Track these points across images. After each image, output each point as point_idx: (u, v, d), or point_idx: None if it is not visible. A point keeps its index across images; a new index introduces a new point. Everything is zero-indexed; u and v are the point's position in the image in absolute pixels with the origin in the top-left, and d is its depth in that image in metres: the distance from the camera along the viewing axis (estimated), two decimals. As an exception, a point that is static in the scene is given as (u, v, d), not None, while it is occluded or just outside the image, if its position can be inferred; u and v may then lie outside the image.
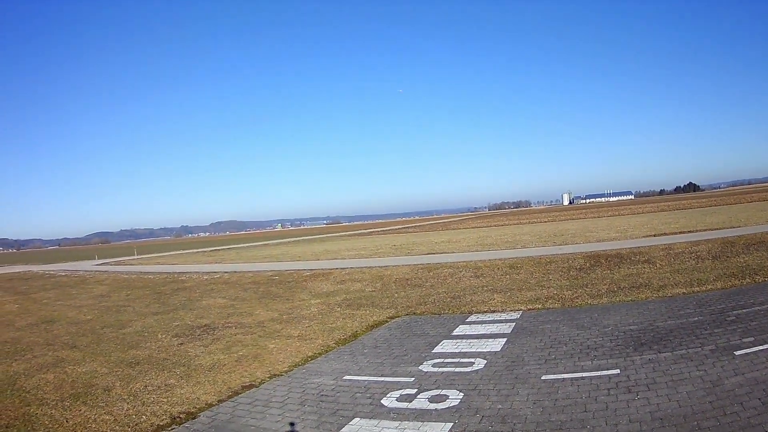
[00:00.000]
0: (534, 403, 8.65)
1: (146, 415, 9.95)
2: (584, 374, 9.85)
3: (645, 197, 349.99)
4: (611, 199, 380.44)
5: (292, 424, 8.99)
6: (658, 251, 24.83)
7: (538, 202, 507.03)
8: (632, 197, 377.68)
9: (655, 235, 33.45)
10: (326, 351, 14.14)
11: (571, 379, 9.69)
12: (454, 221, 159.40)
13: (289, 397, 10.48)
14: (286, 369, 12.65)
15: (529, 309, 16.56)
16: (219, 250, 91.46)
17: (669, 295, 16.48)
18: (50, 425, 9.82)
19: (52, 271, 60.19)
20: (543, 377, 9.92)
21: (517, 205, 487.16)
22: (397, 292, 22.64)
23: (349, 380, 11.22)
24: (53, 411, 10.58)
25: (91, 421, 9.89)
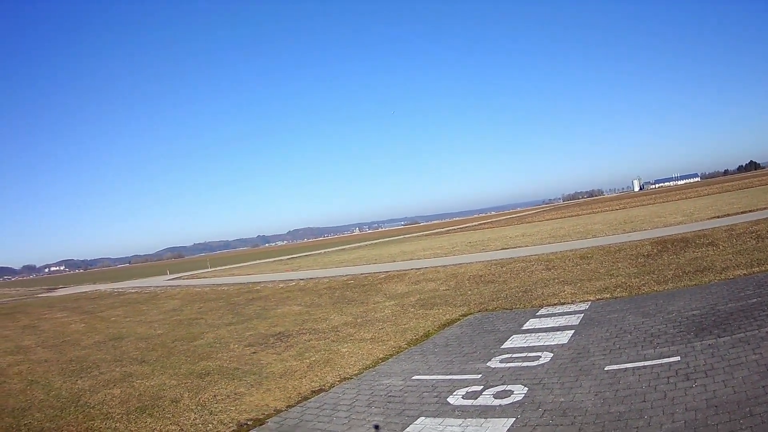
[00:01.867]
0: (595, 395, 8.90)
1: (213, 424, 10.42)
2: (646, 363, 10.11)
3: (710, 179, 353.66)
4: (679, 182, 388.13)
5: (357, 426, 9.31)
6: (721, 233, 25.98)
7: (609, 189, 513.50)
8: (698, 179, 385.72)
9: (718, 217, 35.04)
10: (397, 352, 14.57)
11: (633, 368, 9.95)
12: (529, 214, 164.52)
13: (357, 400, 10.85)
14: (356, 372, 13.07)
15: (598, 299, 17.01)
16: (296, 257, 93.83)
17: (730, 277, 16.91)
18: None
19: (121, 288, 63.05)
20: (606, 368, 10.22)
21: (590, 194, 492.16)
22: (470, 290, 23.22)
23: (418, 380, 11.60)
24: (117, 424, 11.17)
25: None
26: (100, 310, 40.35)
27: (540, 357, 11.65)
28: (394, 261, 44.74)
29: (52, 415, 12.44)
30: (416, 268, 33.91)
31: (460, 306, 19.89)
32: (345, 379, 12.64)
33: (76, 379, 16.06)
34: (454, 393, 10.26)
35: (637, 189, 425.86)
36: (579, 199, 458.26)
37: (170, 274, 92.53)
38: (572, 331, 13.39)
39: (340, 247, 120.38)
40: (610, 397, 8.70)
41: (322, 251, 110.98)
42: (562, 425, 7.97)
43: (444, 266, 32.46)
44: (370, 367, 13.38)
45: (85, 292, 68.50)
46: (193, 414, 11.26)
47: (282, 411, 10.84)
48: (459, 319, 17.68)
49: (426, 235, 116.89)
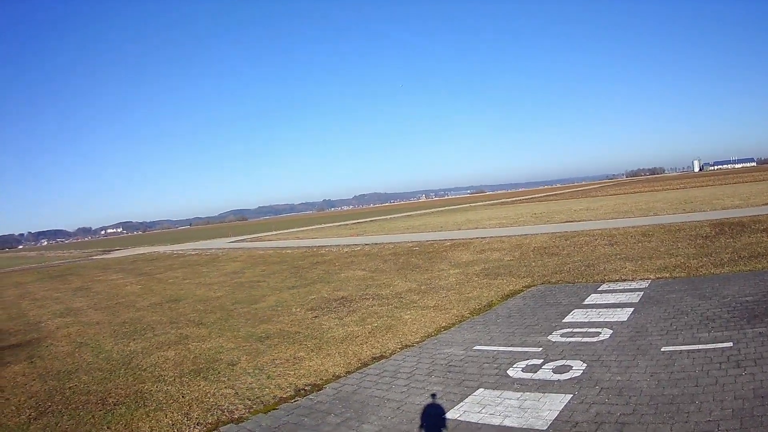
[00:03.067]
0: (651, 376, 8.98)
1: (270, 388, 10.62)
2: (700, 346, 10.21)
3: (766, 164, 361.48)
4: (736, 165, 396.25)
5: (416, 395, 9.43)
6: (776, 219, 26.51)
7: (670, 168, 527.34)
8: (754, 164, 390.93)
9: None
10: (460, 321, 14.68)
11: (688, 351, 10.04)
12: (593, 188, 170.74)
13: (417, 368, 10.97)
14: (418, 340, 13.19)
15: (657, 278, 17.13)
16: (361, 222, 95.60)
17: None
18: (164, 401, 10.59)
19: (181, 250, 64.92)
20: (662, 349, 10.32)
21: (652, 171, 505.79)
22: (534, 261, 23.50)
23: (479, 350, 11.75)
24: (169, 387, 11.44)
25: (209, 395, 10.62)
26: (158, 271, 41.66)
27: (600, 333, 11.82)
28: (460, 229, 45.95)
29: (100, 378, 12.75)
30: (481, 237, 34.97)
31: (524, 277, 20.08)
32: (406, 346, 12.76)
33: (129, 341, 16.56)
34: (514, 365, 10.39)
35: (697, 169, 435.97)
36: (641, 176, 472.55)
37: (233, 236, 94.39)
38: (632, 309, 13.51)
39: (405, 214, 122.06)
40: (664, 378, 8.76)
41: (388, 217, 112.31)
42: (617, 404, 8.05)
43: (509, 236, 33.45)
44: (432, 335, 13.49)
45: (143, 254, 70.82)
46: (249, 378, 11.48)
47: (341, 377, 11.00)
48: (522, 290, 17.84)
49: (491, 205, 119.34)
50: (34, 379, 13.27)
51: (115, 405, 10.64)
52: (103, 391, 11.69)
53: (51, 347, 16.99)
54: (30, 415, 10.59)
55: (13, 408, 11.14)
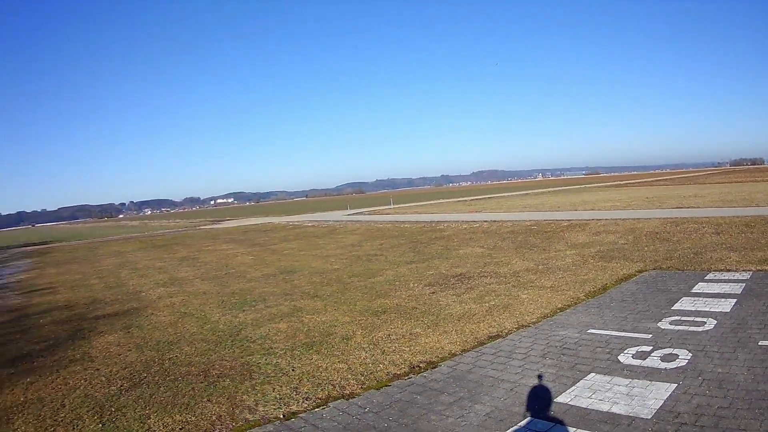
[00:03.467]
0: (748, 369, 8.95)
1: (384, 364, 10.76)
2: None
3: None
4: None
5: (529, 377, 9.50)
6: None
7: None
8: None
9: None
10: (575, 303, 14.62)
11: None
12: (701, 176, 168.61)
13: (532, 349, 11.01)
14: (534, 320, 13.19)
15: (758, 270, 16.79)
16: (479, 199, 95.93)
17: None
18: (272, 374, 10.73)
19: (296, 222, 66.57)
20: (760, 342, 10.25)
21: (753, 162, 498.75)
22: (646, 246, 23.28)
23: (593, 334, 11.78)
24: (279, 360, 11.59)
25: (321, 369, 10.77)
26: (272, 242, 42.65)
27: (705, 323, 11.77)
28: (576, 210, 46.55)
29: (204, 349, 12.94)
30: (596, 219, 35.31)
31: (637, 261, 19.92)
32: (522, 326, 12.75)
33: (238, 312, 16.86)
34: (625, 351, 10.43)
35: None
36: (743, 165, 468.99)
37: (350, 209, 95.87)
38: (735, 300, 13.40)
39: (522, 192, 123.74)
40: (759, 373, 8.70)
41: (505, 194, 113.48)
42: (716, 397, 8.01)
43: (623, 219, 33.70)
44: (548, 317, 13.47)
45: (256, 224, 72.83)
46: (363, 353, 11.65)
47: (456, 355, 11.06)
48: (635, 275, 17.75)
49: (606, 186, 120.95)
50: (130, 350, 13.52)
51: (218, 377, 10.77)
52: (206, 362, 11.86)
53: (151, 317, 17.45)
54: (122, 386, 10.74)
55: (103, 378, 11.34)
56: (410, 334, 12.82)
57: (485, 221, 41.04)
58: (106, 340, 14.83)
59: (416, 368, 10.48)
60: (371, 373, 10.36)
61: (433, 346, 11.76)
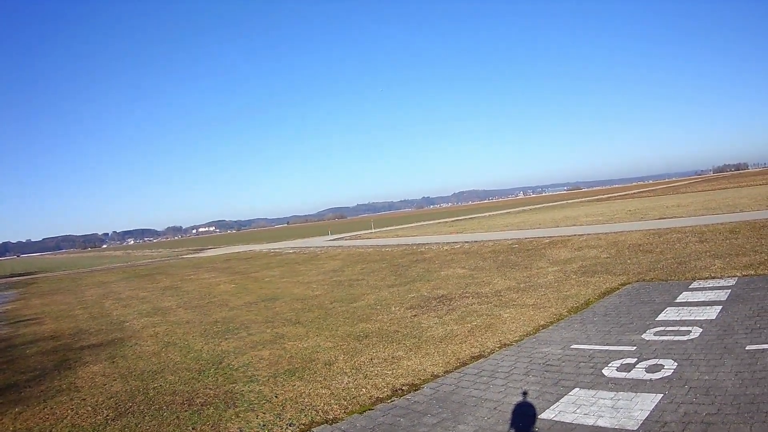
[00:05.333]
0: (735, 375, 9.13)
1: (366, 388, 10.77)
2: None
3: None
4: None
5: (513, 395, 9.52)
6: None
7: (754, 164, 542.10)
8: None
9: None
10: (558, 319, 14.75)
11: None
12: (683, 185, 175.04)
13: (515, 367, 11.06)
14: (516, 338, 13.25)
15: (744, 275, 17.26)
16: (460, 219, 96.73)
17: None
18: (256, 401, 10.73)
19: (278, 249, 66.49)
20: (747, 347, 10.44)
21: (737, 167, 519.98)
22: (629, 258, 23.66)
23: (576, 349, 11.89)
24: (262, 387, 11.59)
25: (304, 395, 10.76)
26: (254, 270, 42.61)
27: (690, 332, 11.97)
28: (557, 226, 46.75)
29: (188, 378, 12.97)
30: (578, 234, 35.40)
31: (620, 275, 20.20)
32: (505, 345, 12.81)
33: (220, 341, 16.84)
34: (609, 364, 10.54)
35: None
36: (727, 171, 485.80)
37: (331, 234, 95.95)
38: (720, 307, 13.67)
39: (504, 211, 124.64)
40: (747, 378, 8.85)
41: (487, 214, 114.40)
42: (703, 404, 8.12)
43: (605, 233, 33.90)
44: (530, 334, 13.55)
45: (237, 252, 72.91)
46: (346, 377, 11.64)
47: (439, 376, 11.08)
48: (618, 288, 18.01)
49: (588, 201, 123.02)
50: (115, 379, 13.57)
51: (202, 405, 10.81)
52: (190, 391, 11.90)
53: (135, 347, 17.44)
54: (107, 415, 10.82)
55: (90, 408, 11.37)
56: (392, 357, 12.84)
57: (466, 242, 41.13)
58: (91, 370, 14.83)
59: (399, 391, 10.47)
60: (354, 398, 10.35)
61: (415, 368, 11.77)
